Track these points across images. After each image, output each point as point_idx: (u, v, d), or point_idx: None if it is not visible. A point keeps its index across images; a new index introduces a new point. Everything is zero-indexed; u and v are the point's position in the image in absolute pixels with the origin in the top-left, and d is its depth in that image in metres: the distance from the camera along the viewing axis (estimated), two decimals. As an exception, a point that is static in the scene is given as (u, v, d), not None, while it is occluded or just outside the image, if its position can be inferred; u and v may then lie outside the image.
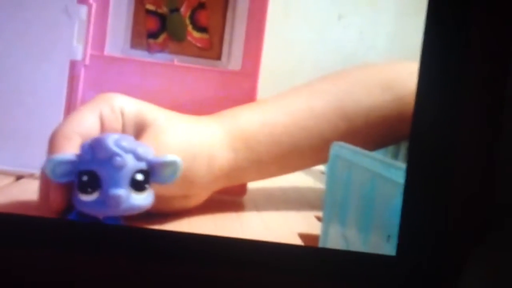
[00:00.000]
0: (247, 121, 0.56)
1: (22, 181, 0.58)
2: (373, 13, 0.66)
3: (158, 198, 0.49)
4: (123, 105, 0.51)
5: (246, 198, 0.61)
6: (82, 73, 0.58)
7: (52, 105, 0.58)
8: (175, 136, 0.51)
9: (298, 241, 0.52)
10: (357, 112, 0.57)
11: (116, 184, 0.45)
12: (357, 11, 0.66)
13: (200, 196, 0.54)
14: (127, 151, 0.45)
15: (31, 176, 0.58)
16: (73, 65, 0.58)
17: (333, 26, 0.68)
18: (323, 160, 0.57)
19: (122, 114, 0.50)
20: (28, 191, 0.50)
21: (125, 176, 0.45)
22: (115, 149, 0.45)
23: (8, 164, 0.58)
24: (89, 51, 0.58)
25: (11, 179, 0.58)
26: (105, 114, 0.50)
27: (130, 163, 0.46)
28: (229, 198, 0.59)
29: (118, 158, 0.45)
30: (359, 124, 0.57)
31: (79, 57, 0.58)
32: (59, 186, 0.46)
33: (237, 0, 0.60)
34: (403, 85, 0.57)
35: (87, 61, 0.58)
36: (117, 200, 0.45)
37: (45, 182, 0.47)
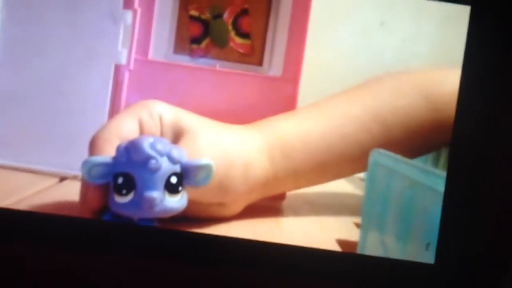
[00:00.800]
0: (285, 130, 0.56)
1: (65, 182, 0.59)
2: (416, 20, 0.65)
3: (195, 204, 0.50)
4: (161, 112, 0.51)
5: (285, 203, 0.61)
6: (126, 77, 0.59)
7: (96, 108, 0.59)
8: (211, 143, 0.51)
9: (337, 247, 0.52)
10: (395, 119, 0.57)
11: (151, 187, 0.46)
12: (400, 17, 0.66)
13: (236, 205, 0.54)
14: (162, 154, 0.46)
15: (74, 177, 0.59)
16: (117, 69, 0.59)
17: (375, 33, 0.68)
18: (361, 168, 0.56)
19: (161, 120, 0.51)
20: (71, 193, 0.51)
21: (160, 179, 0.46)
22: (150, 152, 0.46)
23: (53, 166, 0.59)
24: (133, 56, 0.59)
25: (55, 180, 0.59)
26: (144, 120, 0.50)
27: (165, 166, 0.46)
28: (268, 203, 0.59)
29: (153, 161, 0.45)
30: (397, 131, 0.57)
31: (123, 61, 0.59)
32: (96, 187, 0.47)
33: (280, 7, 0.60)
34: (442, 93, 0.56)
35: (131, 66, 0.59)
36: (151, 202, 0.45)
37: (85, 183, 0.48)
